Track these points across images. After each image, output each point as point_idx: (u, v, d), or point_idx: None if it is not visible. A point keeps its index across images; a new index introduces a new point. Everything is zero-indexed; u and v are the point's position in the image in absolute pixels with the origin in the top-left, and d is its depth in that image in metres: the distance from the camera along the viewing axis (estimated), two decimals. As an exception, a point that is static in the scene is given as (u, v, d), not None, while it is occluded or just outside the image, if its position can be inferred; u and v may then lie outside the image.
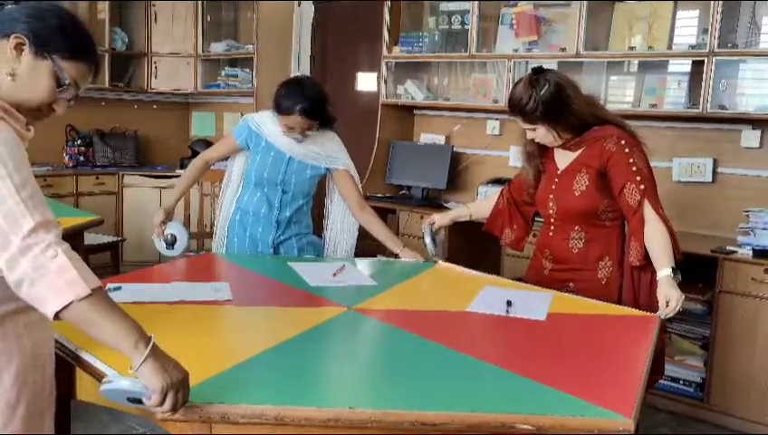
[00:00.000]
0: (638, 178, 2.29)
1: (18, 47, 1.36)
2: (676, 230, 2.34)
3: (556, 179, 2.46)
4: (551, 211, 2.47)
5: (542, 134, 2.37)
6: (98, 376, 1.50)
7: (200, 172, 2.95)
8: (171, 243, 2.72)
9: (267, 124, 2.84)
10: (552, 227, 2.49)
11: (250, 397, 1.40)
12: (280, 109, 2.71)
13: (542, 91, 2.28)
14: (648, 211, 2.28)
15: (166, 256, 2.77)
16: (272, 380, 1.53)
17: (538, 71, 2.34)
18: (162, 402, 1.27)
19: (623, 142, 2.32)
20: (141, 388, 1.27)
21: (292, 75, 5.53)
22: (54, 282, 1.21)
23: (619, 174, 2.31)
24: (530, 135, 2.41)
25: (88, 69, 1.45)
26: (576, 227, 2.42)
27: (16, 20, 1.37)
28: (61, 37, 1.39)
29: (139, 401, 1.30)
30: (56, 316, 1.23)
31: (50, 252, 1.22)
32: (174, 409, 1.29)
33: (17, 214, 1.22)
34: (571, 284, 2.44)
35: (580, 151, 2.41)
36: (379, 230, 2.88)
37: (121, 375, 1.30)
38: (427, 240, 2.77)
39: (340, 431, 1.39)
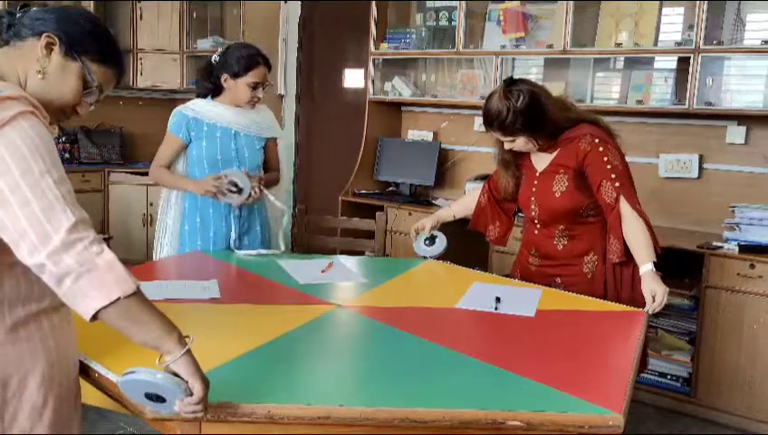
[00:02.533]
0: (614, 176, 2.30)
1: (48, 46, 1.36)
2: (662, 226, 2.36)
3: (536, 182, 2.47)
4: (533, 213, 2.48)
5: (521, 144, 2.38)
6: (102, 385, 1.49)
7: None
8: (237, 191, 2.69)
9: (203, 107, 2.85)
10: (537, 227, 2.50)
11: (239, 395, 1.39)
12: (243, 68, 2.75)
13: (519, 103, 2.27)
14: (625, 207, 2.29)
15: (230, 203, 2.76)
16: (261, 378, 1.52)
17: (510, 82, 2.32)
18: (200, 401, 1.26)
19: (597, 141, 2.33)
20: (174, 384, 1.25)
21: (279, 71, 5.53)
22: (102, 277, 1.20)
23: (594, 172, 2.33)
24: (508, 145, 2.41)
25: (114, 75, 1.46)
26: (560, 227, 2.44)
27: (47, 20, 1.38)
28: (91, 41, 1.41)
29: (158, 400, 1.28)
30: (94, 316, 1.20)
31: (95, 248, 1.21)
32: (206, 408, 1.29)
33: (57, 209, 1.20)
34: (558, 279, 2.46)
35: (555, 153, 2.42)
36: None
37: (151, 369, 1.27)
38: (419, 245, 2.77)
39: (330, 429, 1.39)
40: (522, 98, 2.26)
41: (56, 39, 1.37)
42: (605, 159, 2.31)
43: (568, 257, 2.44)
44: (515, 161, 2.53)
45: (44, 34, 1.36)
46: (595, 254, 2.42)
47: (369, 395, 1.48)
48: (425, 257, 2.76)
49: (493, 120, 2.32)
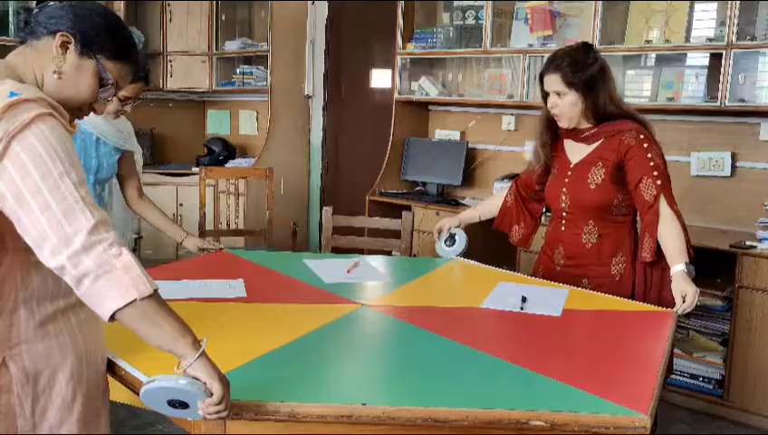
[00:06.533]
0: (655, 174, 2.27)
1: (64, 45, 1.36)
2: (694, 225, 2.33)
3: (569, 173, 2.43)
4: (563, 205, 2.44)
5: (569, 102, 2.33)
6: (129, 383, 1.50)
7: None
8: None
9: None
10: (564, 222, 2.46)
11: (264, 394, 1.40)
12: None
13: (591, 60, 2.30)
14: (664, 207, 2.25)
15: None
16: (285, 377, 1.53)
17: (588, 44, 2.39)
18: (221, 400, 1.26)
19: (642, 137, 2.31)
20: (195, 387, 1.25)
21: (307, 73, 5.55)
22: (119, 279, 1.21)
23: (636, 168, 2.29)
24: (553, 100, 2.36)
25: (129, 70, 1.46)
26: (590, 222, 2.40)
27: (62, 18, 1.37)
28: (106, 37, 1.39)
29: (182, 406, 1.28)
30: (112, 317, 1.22)
31: (114, 250, 1.22)
32: (229, 407, 1.29)
33: (77, 211, 1.21)
34: (584, 280, 2.42)
35: (596, 144, 2.38)
36: (158, 218, 2.76)
37: (171, 375, 1.27)
38: (440, 246, 2.75)
39: (353, 428, 1.39)
40: (596, 60, 2.32)
41: (71, 38, 1.36)
42: (648, 155, 2.28)
43: (596, 256, 2.40)
44: (551, 149, 2.50)
45: (59, 33, 1.35)
46: (623, 255, 2.38)
47: (391, 394, 1.48)
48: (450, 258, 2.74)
49: (566, 55, 2.33)
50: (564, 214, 2.46)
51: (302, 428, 1.39)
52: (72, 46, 1.36)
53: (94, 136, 2.57)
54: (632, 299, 2.31)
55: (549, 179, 2.52)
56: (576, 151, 2.44)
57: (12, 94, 1.22)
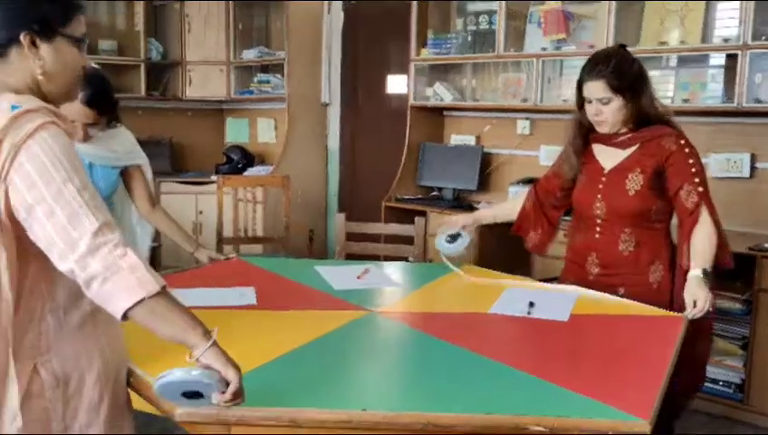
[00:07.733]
0: (697, 181, 2.21)
1: (33, 43, 1.33)
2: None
3: (603, 179, 2.35)
4: (597, 212, 2.35)
5: (614, 108, 2.25)
6: (136, 387, 1.53)
7: None
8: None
9: None
10: (598, 229, 2.37)
11: (267, 400, 1.42)
12: None
13: (631, 62, 2.27)
14: (704, 215, 2.20)
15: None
16: (289, 383, 1.54)
17: (624, 46, 2.36)
18: (237, 388, 1.29)
19: (683, 142, 2.25)
20: (209, 377, 1.27)
21: (323, 79, 5.59)
22: (126, 279, 1.24)
23: (677, 175, 2.23)
24: (597, 108, 2.27)
25: (83, 15, 1.42)
26: (626, 229, 2.32)
27: (4, 21, 1.33)
28: (54, 11, 1.36)
29: (197, 396, 1.30)
30: (124, 316, 1.26)
31: (119, 251, 1.25)
32: (243, 395, 1.31)
33: (81, 215, 1.24)
34: (621, 289, 2.32)
35: (633, 149, 2.32)
36: (171, 229, 2.76)
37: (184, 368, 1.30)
38: (440, 241, 2.65)
39: (352, 432, 1.40)
40: (636, 61, 2.28)
41: (31, 34, 1.32)
42: (690, 161, 2.22)
43: (634, 265, 2.32)
44: (582, 156, 2.44)
45: (22, 36, 1.32)
46: (660, 262, 2.31)
47: (394, 400, 1.49)
48: (450, 260, 2.65)
49: (606, 60, 2.25)
50: (599, 221, 2.36)
51: (302, 432, 1.41)
52: (37, 41, 1.34)
53: (87, 161, 2.49)
54: (671, 307, 2.23)
55: (577, 186, 2.44)
56: (608, 156, 2.36)
57: (14, 108, 1.26)
